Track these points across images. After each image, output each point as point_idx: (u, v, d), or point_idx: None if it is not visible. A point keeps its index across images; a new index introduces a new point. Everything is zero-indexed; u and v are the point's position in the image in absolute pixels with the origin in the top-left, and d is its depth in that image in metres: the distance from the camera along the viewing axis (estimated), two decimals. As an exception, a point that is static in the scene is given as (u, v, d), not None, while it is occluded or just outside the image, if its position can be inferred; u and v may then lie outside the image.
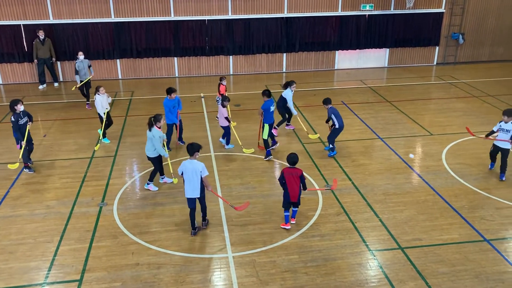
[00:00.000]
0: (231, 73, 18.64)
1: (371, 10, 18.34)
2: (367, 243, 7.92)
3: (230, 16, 17.68)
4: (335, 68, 19.21)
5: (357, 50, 19.09)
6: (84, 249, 7.77)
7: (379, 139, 12.09)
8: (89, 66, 14.34)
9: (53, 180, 10.07)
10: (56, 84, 17.17)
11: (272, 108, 10.84)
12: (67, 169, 10.59)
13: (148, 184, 9.72)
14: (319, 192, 9.55)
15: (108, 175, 10.31)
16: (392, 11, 18.49)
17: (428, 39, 19.22)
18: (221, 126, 11.41)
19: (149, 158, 9.53)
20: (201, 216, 8.28)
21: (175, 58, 18.15)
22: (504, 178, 9.94)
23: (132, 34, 17.38)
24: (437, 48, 19.54)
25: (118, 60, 17.81)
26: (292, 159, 8.17)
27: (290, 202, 8.21)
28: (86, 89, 14.46)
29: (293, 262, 7.44)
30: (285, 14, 17.95)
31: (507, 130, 9.69)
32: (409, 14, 18.60)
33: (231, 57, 18.44)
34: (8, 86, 17.21)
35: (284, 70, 18.90)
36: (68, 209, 8.96)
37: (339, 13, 18.23)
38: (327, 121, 11.25)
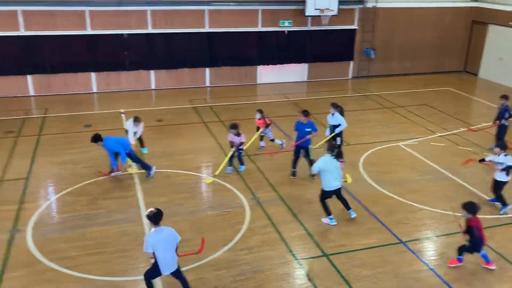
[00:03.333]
0: (153, 87, 18.29)
1: (290, 26, 19.00)
2: (294, 253, 8.08)
3: (150, 30, 17.41)
4: (258, 82, 19.58)
5: (278, 65, 19.63)
6: (-6, 281, 7.14)
7: (302, 151, 12.45)
8: None
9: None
10: None
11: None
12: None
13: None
14: (246, 205, 9.61)
15: (20, 198, 9.59)
16: (309, 27, 19.29)
17: (343, 54, 20.27)
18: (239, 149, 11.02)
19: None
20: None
21: (93, 73, 17.47)
22: (502, 212, 9.47)
23: (44, 48, 16.47)
24: (351, 62, 20.65)
25: (29, 76, 16.76)
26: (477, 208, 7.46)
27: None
28: None
29: (222, 278, 7.38)
30: (207, 29, 18.04)
31: (499, 163, 9.17)
32: (325, 31, 19.49)
33: (152, 71, 18.11)
34: None
35: (207, 85, 18.92)
36: (-26, 238, 8.20)
37: (259, 29, 18.67)
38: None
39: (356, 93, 18.55)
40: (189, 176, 10.86)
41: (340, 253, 8.12)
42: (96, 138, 9.93)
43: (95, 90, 17.67)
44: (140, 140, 11.91)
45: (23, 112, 15.01)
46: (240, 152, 11.05)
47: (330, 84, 19.82)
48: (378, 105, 16.82)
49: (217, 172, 10.71)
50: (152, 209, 6.39)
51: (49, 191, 10.07)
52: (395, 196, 10.10)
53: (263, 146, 12.37)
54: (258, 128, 12.28)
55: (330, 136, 11.29)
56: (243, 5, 17.98)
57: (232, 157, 10.97)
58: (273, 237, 8.51)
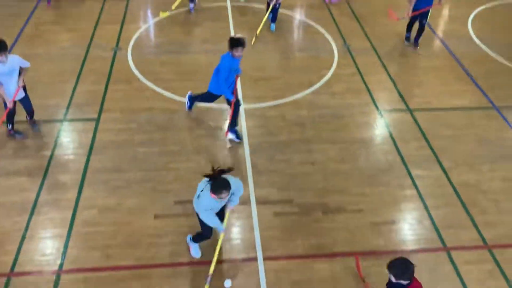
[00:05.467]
0: None
1: None
2: (377, 104, 8.02)
3: None
4: None
5: None
6: (100, 91, 8.00)
7: None
8: None
9: (66, 22, 9.93)
10: None
11: None
12: (80, 10, 10.35)
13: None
14: (335, 50, 9.37)
15: (122, 19, 10.11)
16: None
17: None
18: None
19: None
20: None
21: None
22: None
23: None
24: None
25: None
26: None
27: None
28: None
29: (301, 117, 7.64)
30: None
31: None
32: None
33: None
34: None
35: None
36: (83, 51, 9.00)
37: None
38: None
39: None
40: (282, 14, 10.57)
41: (425, 109, 7.91)
42: None
43: None
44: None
45: None
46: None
47: None
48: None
49: (257, 32, 9.89)
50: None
51: (148, 13, 10.44)
52: (501, 60, 9.22)
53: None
54: None
55: None
56: None
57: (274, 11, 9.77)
58: (358, 86, 8.41)
